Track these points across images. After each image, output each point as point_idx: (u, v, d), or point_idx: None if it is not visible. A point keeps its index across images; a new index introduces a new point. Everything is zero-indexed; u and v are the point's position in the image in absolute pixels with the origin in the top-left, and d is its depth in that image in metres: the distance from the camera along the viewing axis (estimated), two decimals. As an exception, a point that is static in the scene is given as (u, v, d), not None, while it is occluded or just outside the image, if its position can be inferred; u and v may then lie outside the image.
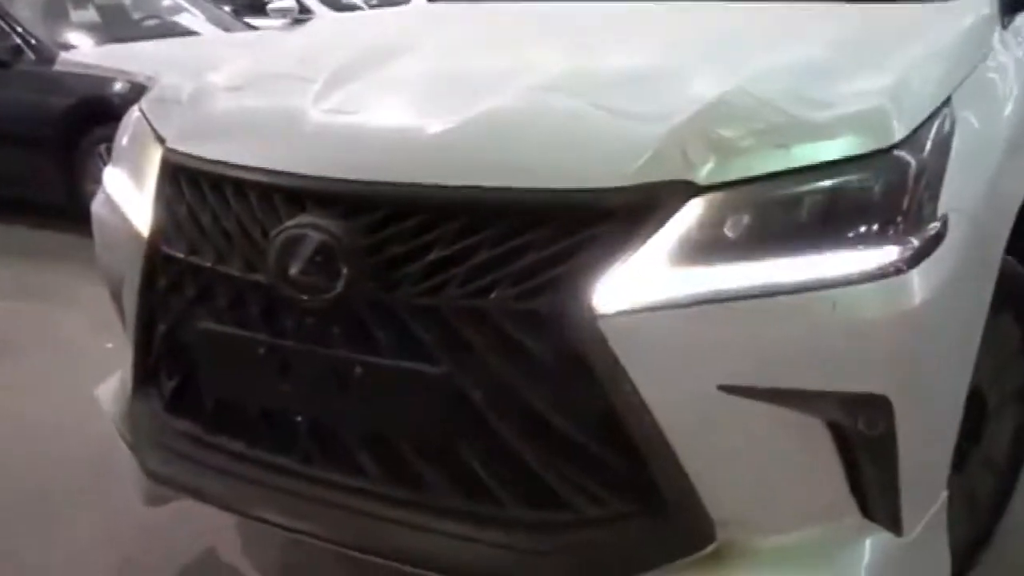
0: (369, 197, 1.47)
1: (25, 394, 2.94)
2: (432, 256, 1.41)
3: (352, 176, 1.49)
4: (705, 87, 1.49)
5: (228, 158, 1.62)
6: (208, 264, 1.61)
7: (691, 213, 1.35)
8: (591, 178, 1.38)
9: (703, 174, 1.35)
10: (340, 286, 1.43)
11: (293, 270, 1.45)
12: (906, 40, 1.69)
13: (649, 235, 1.34)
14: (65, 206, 4.59)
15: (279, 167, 1.55)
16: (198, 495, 1.67)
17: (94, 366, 2.11)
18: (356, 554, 1.52)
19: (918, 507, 1.45)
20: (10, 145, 4.79)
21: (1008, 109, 1.73)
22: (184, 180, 1.69)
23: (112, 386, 1.99)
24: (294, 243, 1.46)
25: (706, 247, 1.35)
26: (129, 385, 1.83)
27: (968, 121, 1.53)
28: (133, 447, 1.79)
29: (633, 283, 1.34)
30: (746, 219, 1.36)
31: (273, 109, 1.74)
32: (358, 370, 1.45)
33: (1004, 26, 1.90)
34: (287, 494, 1.55)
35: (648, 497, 1.37)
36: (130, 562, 2.13)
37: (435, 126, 1.49)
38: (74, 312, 3.59)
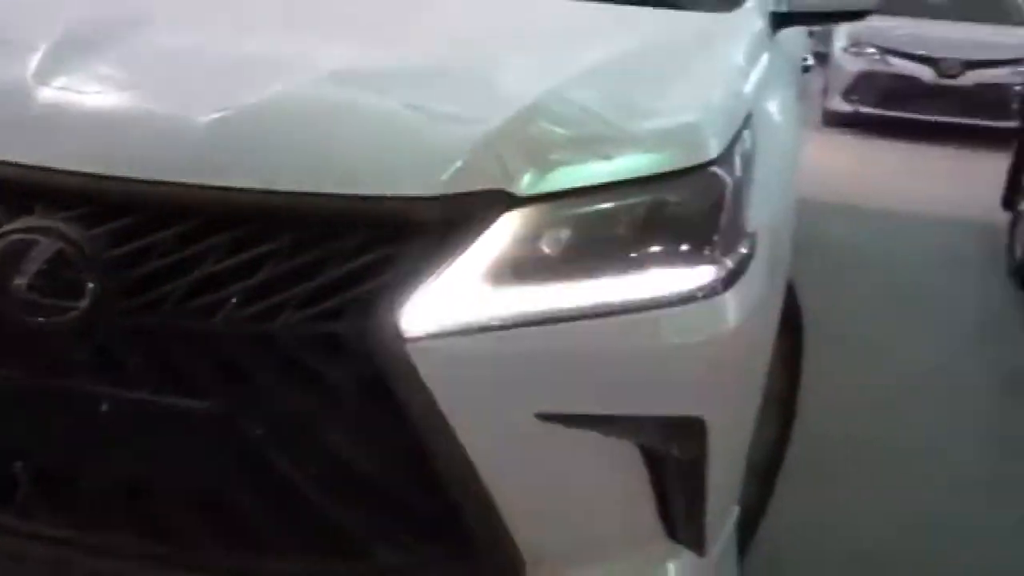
0: (119, 197, 1.20)
1: None
2: (203, 270, 1.18)
3: (94, 170, 1.21)
4: (519, 87, 1.37)
5: None
6: None
7: (507, 227, 1.23)
8: (398, 185, 1.22)
9: (521, 184, 1.24)
10: (84, 304, 1.17)
11: (17, 285, 1.16)
12: (704, 51, 1.66)
13: (462, 250, 1.21)
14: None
15: None
16: None
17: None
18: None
19: (717, 525, 1.43)
20: None
21: (785, 124, 1.76)
22: None
23: None
24: (18, 251, 1.17)
25: (523, 264, 1.24)
26: None
27: (761, 137, 1.53)
28: None
29: (445, 303, 1.20)
30: (565, 235, 1.26)
31: None
32: (104, 407, 1.19)
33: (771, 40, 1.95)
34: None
35: (456, 540, 1.24)
36: None
37: (207, 113, 1.25)
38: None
